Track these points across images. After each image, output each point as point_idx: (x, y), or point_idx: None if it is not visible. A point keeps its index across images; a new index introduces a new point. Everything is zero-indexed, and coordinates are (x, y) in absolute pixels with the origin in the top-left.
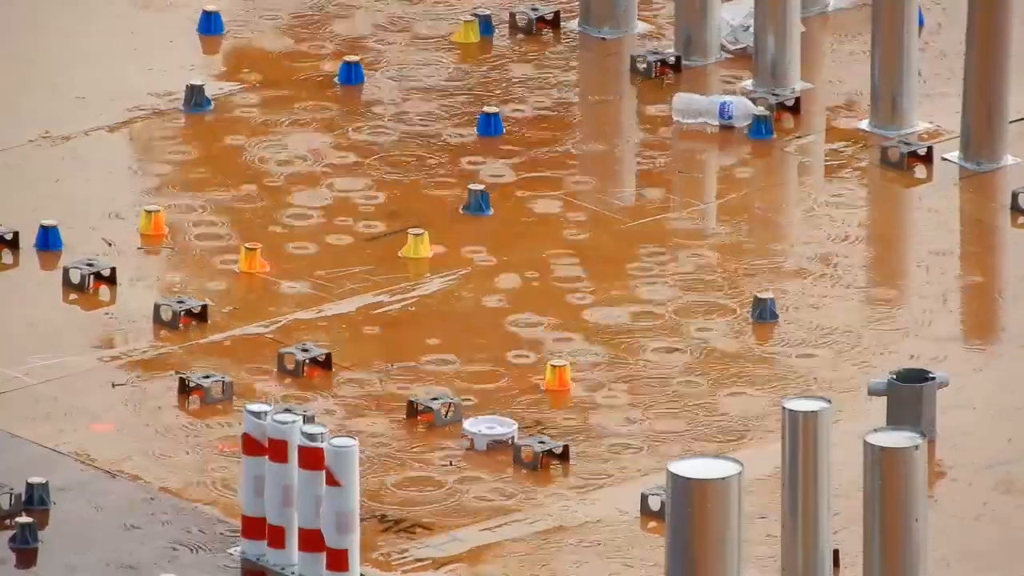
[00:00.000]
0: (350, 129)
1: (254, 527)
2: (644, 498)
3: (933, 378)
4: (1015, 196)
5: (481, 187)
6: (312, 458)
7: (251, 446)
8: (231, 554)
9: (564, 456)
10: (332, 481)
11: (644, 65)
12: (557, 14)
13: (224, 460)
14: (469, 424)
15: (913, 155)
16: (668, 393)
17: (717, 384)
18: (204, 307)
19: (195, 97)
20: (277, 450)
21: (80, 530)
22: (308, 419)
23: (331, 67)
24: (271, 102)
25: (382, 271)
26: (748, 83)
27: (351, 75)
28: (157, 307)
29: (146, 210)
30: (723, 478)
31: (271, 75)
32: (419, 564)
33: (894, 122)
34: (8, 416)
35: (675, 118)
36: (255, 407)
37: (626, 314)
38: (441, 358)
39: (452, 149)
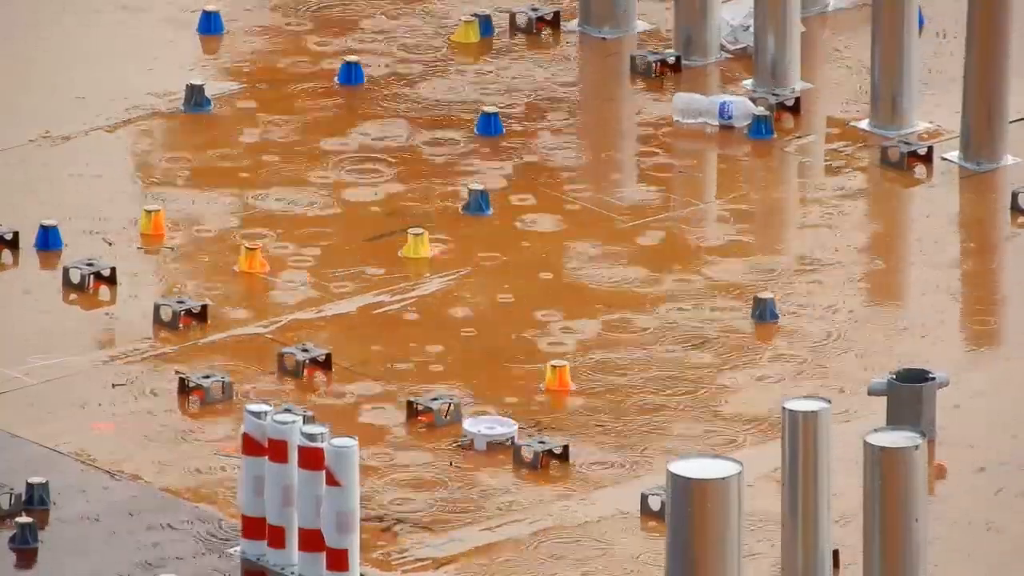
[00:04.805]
0: (350, 129)
1: (254, 527)
2: (644, 498)
3: (933, 378)
4: (1015, 196)
5: (481, 187)
6: (312, 458)
7: (251, 446)
8: (231, 554)
9: (564, 456)
10: (332, 481)
11: (644, 65)
12: (557, 14)
13: (224, 460)
14: (469, 424)
15: (913, 155)
16: (669, 392)
17: (717, 383)
18: (204, 307)
19: (195, 97)
20: (277, 450)
21: (80, 530)
22: (308, 419)
23: (331, 67)
24: (271, 101)
25: (382, 271)
26: (749, 83)
27: (351, 75)
28: (157, 307)
29: (146, 210)
30: (723, 478)
31: (271, 75)
32: (419, 564)
33: (894, 122)
34: (8, 416)
35: (675, 118)
36: (255, 407)
37: (627, 313)
38: (441, 358)
39: (452, 149)
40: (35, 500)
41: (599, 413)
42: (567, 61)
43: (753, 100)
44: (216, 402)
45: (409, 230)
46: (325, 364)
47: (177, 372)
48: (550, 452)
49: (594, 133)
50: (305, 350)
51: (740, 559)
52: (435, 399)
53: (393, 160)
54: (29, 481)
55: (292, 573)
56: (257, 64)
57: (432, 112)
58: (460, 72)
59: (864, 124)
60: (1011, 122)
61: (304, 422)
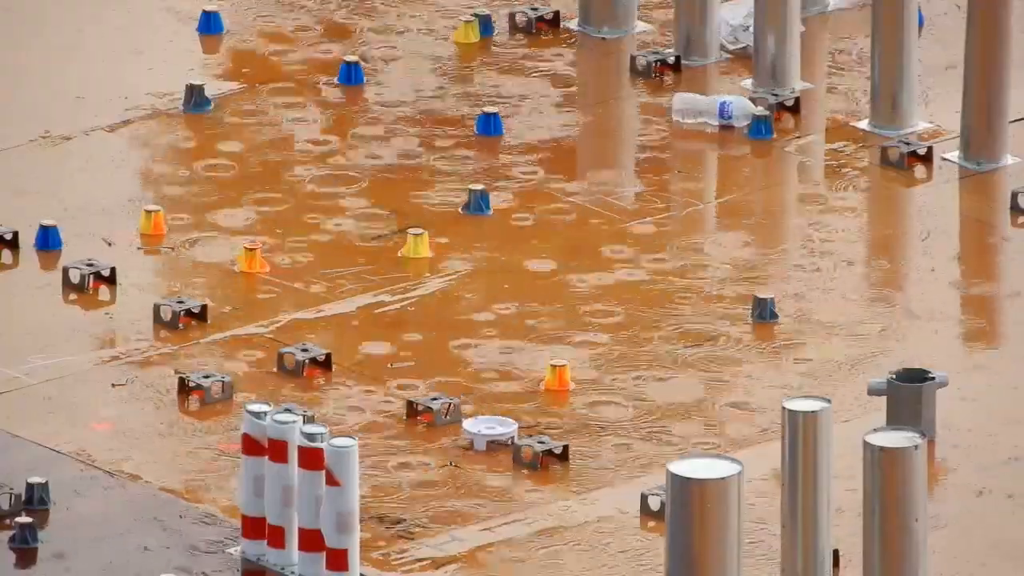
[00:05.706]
0: (350, 129)
1: (254, 527)
2: (644, 498)
3: (933, 378)
4: (1015, 196)
5: (481, 187)
6: (312, 458)
7: (251, 446)
8: (231, 554)
9: (564, 456)
10: (332, 481)
11: (643, 65)
12: (557, 14)
13: (224, 460)
14: (469, 424)
15: (913, 155)
16: (670, 392)
17: (718, 384)
18: (204, 307)
19: (195, 97)
20: (277, 450)
21: (80, 530)
22: (308, 419)
23: (331, 67)
24: (270, 102)
25: (382, 271)
26: (748, 82)
27: (351, 75)
28: (157, 307)
29: (146, 210)
30: (723, 478)
31: (271, 75)
32: (419, 564)
33: (894, 122)
34: (8, 416)
35: (675, 118)
36: (255, 407)
37: (626, 314)
38: (441, 357)
39: (452, 148)
40: (35, 500)
41: (599, 412)
42: (567, 61)
43: (753, 100)
44: (216, 402)
45: (409, 230)
46: (325, 364)
47: (177, 372)
48: (550, 452)
49: (594, 133)
50: (305, 350)
51: (740, 559)
52: (435, 399)
53: (393, 160)
54: (29, 481)
55: (292, 573)
56: (257, 64)
57: (432, 112)
58: (460, 72)
59: (864, 124)
60: (1011, 122)
61: (304, 422)
